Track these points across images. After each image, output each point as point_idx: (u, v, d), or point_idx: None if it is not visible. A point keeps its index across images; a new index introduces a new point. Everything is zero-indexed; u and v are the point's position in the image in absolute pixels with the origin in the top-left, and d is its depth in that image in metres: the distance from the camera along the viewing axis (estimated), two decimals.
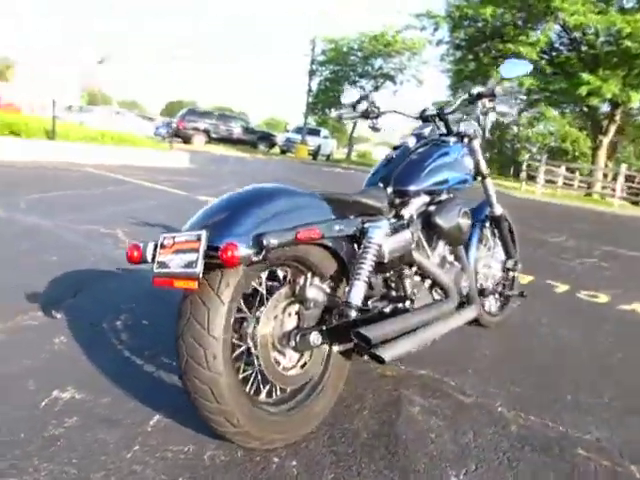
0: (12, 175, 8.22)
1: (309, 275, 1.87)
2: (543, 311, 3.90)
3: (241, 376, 1.79)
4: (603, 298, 4.57)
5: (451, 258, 2.67)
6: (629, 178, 18.39)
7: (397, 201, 2.39)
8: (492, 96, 2.68)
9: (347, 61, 37.18)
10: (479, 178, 3.11)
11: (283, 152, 30.43)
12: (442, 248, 2.61)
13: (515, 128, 45.64)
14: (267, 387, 1.86)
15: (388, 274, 2.23)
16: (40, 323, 2.70)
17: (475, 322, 3.04)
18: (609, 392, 2.66)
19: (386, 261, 2.03)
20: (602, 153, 23.11)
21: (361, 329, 1.81)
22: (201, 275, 1.51)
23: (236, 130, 27.43)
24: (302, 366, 1.91)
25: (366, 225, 1.99)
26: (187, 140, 24.43)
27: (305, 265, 1.88)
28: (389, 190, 2.36)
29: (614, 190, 18.08)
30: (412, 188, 2.41)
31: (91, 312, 2.92)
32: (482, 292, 2.88)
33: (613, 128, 22.71)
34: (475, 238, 3.07)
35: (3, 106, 21.52)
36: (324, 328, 1.84)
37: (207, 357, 1.60)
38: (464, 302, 2.63)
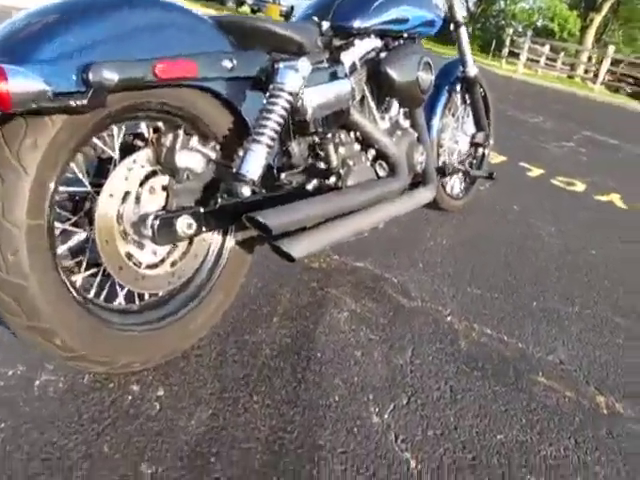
0: None
1: (180, 133, 1.24)
2: (514, 197, 3.39)
3: (78, 277, 1.23)
4: (579, 186, 4.09)
5: (406, 124, 2.05)
6: (615, 62, 17.35)
7: (336, 42, 1.70)
8: None
9: None
10: (451, 26, 2.41)
11: (253, 11, 27.93)
12: (395, 110, 1.98)
13: (502, 2, 42.71)
14: (123, 292, 1.30)
15: (316, 139, 1.61)
16: None
17: (434, 205, 2.51)
18: (581, 299, 2.22)
19: (308, 119, 1.41)
20: (591, 33, 21.78)
21: (256, 213, 1.23)
22: None
23: None
24: (172, 264, 1.34)
25: (278, 65, 1.33)
26: None
27: (181, 119, 1.25)
28: (325, 25, 1.66)
29: (596, 76, 17.14)
30: (357, 25, 1.71)
31: None
32: (444, 170, 2.30)
33: (607, 4, 21.19)
34: (441, 103, 2.43)
35: None
36: (200, 211, 1.25)
37: (3, 254, 1.02)
38: (419, 182, 2.06)
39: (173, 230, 1.22)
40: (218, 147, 1.32)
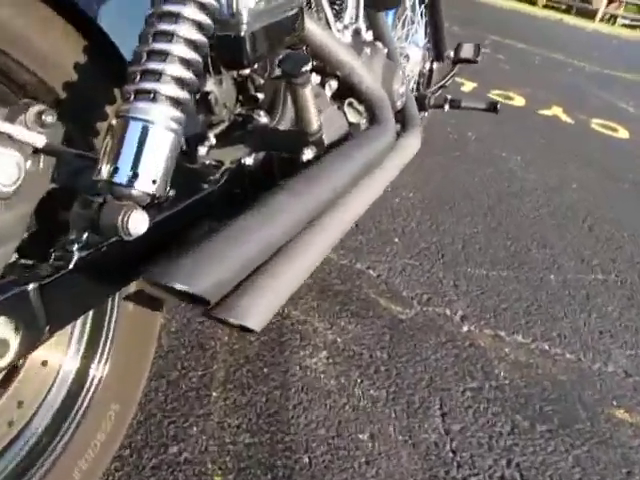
0: None
1: None
2: (460, 120, 2.78)
3: None
4: (518, 100, 3.59)
5: (369, 37, 1.32)
6: None
7: None
8: None
9: None
10: None
11: None
12: (351, 13, 1.25)
13: None
14: None
15: (256, 80, 0.87)
16: None
17: None
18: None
19: (244, 40, 0.65)
20: None
21: (164, 269, 0.52)
22: None
23: None
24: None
25: None
26: None
27: None
28: None
29: None
30: None
31: None
32: (423, 103, 1.60)
33: None
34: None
35: None
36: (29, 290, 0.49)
37: None
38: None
39: None
40: (50, 118, 0.52)
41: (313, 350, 1.10)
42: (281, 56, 0.69)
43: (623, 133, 3.32)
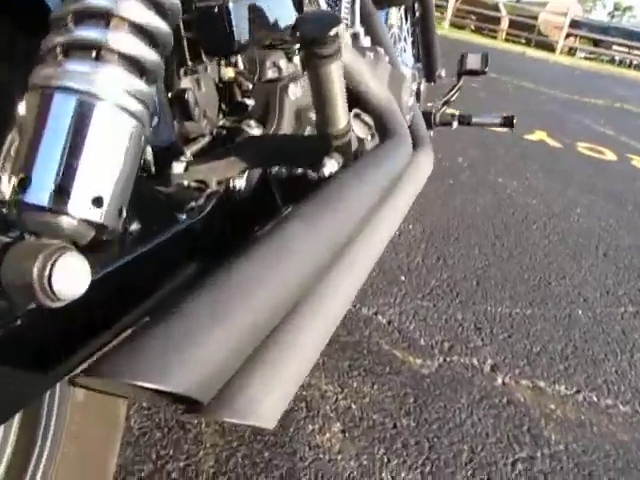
0: None
1: None
2: (448, 148, 2.64)
3: None
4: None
5: (367, 42, 1.15)
6: (462, 1, 17.45)
7: None
8: None
9: None
10: None
11: None
12: (350, 17, 1.10)
13: None
14: None
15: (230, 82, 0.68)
16: None
17: None
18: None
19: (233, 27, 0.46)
20: None
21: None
22: None
23: None
24: None
25: None
26: None
27: None
28: None
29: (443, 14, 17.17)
30: None
31: None
32: (429, 119, 1.42)
33: None
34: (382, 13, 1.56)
35: None
36: None
37: None
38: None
39: None
40: None
41: (324, 422, 0.88)
42: (296, 19, 0.49)
43: (610, 155, 3.23)
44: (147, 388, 0.32)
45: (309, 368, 0.48)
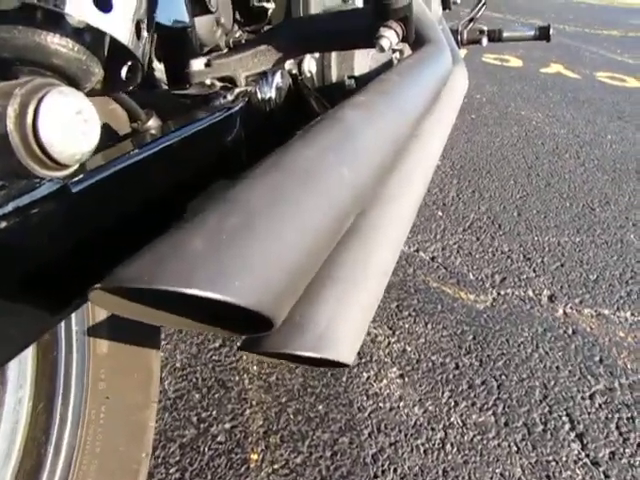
0: None
1: None
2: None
3: None
4: (515, 62, 3.32)
5: None
6: None
7: None
8: None
9: None
10: None
11: None
12: None
13: None
14: None
15: None
16: None
17: None
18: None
19: None
20: None
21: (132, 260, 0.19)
22: None
23: None
24: None
25: None
26: None
27: None
28: None
29: None
30: None
31: None
32: (455, 37, 1.29)
33: None
34: None
35: None
36: None
37: None
38: None
39: None
40: None
41: (379, 368, 0.79)
42: None
43: (633, 82, 3.06)
44: (192, 306, 0.22)
45: (384, 286, 0.38)
